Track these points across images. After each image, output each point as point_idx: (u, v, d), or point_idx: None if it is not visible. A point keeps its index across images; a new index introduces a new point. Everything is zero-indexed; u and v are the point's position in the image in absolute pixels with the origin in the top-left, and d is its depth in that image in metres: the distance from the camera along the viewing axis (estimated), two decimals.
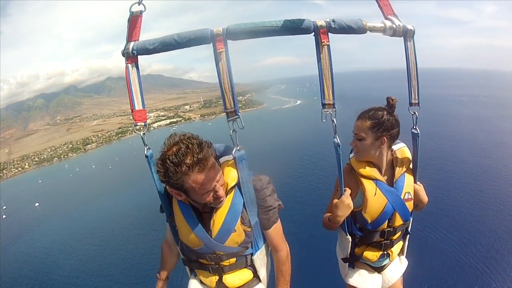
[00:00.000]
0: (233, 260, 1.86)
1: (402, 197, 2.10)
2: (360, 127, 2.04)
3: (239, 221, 1.75)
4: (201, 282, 1.99)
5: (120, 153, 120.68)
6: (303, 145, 78.48)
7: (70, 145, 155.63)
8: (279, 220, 1.90)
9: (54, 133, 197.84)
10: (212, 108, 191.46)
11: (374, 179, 2.08)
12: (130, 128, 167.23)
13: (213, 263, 1.87)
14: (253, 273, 1.96)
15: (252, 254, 1.89)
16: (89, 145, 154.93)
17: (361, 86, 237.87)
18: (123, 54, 1.65)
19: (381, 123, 2.00)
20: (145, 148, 1.70)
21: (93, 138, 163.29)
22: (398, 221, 2.14)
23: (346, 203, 2.02)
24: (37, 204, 76.62)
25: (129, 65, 1.65)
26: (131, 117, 1.65)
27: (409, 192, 2.13)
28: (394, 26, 1.69)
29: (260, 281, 1.99)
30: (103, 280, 36.84)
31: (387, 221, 2.12)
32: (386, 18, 1.72)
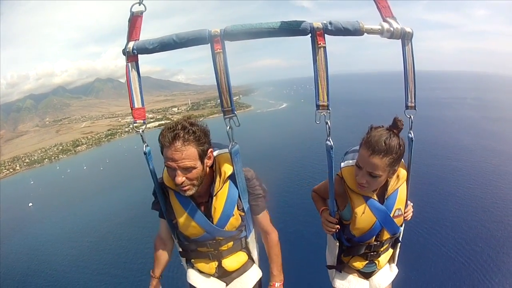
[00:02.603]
0: (230, 244, 2.04)
1: (392, 214, 2.01)
2: (377, 166, 1.76)
3: (235, 207, 1.92)
4: (199, 271, 2.10)
5: (111, 155, 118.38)
6: (288, 147, 77.50)
7: (61, 147, 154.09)
8: (266, 207, 2.08)
9: (43, 134, 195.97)
10: (200, 110, 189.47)
11: (365, 196, 1.98)
12: (119, 130, 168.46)
13: (212, 249, 2.01)
14: (248, 254, 2.16)
15: (246, 237, 2.09)
16: (79, 147, 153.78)
17: (348, 88, 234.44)
18: (124, 53, 1.67)
19: (400, 155, 1.79)
20: (144, 145, 1.75)
21: (82, 140, 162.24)
22: (386, 236, 2.09)
23: (326, 224, 2.07)
24: (30, 204, 76.14)
25: (130, 64, 1.68)
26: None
27: (399, 209, 2.04)
28: (392, 28, 1.66)
29: (254, 262, 2.20)
30: (97, 274, 38.41)
31: (374, 236, 2.07)
32: (384, 21, 1.69)
